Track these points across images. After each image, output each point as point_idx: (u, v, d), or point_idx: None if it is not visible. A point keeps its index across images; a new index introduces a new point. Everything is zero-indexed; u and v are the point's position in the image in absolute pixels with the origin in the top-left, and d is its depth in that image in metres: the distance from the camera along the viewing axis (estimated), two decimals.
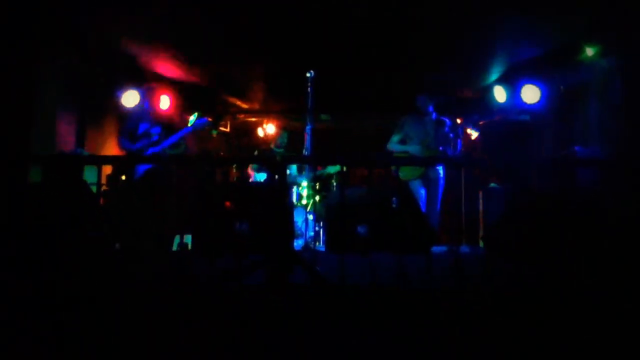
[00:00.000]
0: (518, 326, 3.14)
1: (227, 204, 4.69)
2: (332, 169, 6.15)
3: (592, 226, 3.78)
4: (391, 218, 4.62)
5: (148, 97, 5.65)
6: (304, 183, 6.07)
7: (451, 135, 5.37)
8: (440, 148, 5.38)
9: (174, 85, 6.46)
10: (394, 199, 4.58)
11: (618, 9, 4.93)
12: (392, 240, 4.41)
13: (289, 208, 4.95)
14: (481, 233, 5.50)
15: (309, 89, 5.22)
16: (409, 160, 5.31)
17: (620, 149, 5.01)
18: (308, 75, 5.24)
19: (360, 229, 4.62)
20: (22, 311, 3.01)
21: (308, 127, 5.26)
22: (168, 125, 5.54)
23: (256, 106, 7.25)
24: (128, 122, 5.66)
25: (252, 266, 3.55)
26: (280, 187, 4.38)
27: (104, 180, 5.93)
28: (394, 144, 5.52)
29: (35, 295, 3.10)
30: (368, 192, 5.03)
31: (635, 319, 2.97)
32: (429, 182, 5.37)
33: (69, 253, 3.69)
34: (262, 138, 7.51)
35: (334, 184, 6.37)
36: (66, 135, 5.94)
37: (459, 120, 6.54)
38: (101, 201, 5.62)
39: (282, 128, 6.97)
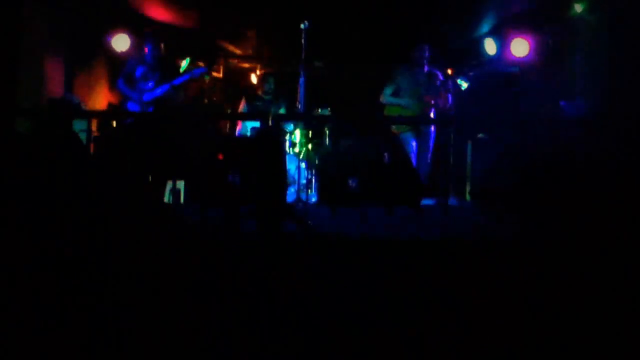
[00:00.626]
0: (504, 276, 3.33)
1: (220, 156, 4.79)
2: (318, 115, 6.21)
3: (578, 179, 3.94)
4: (382, 171, 4.78)
5: (149, 41, 5.62)
6: (296, 131, 6.17)
7: (442, 88, 5.47)
8: (432, 101, 5.51)
9: (165, 30, 6.42)
10: (385, 153, 4.73)
11: None
12: (383, 194, 4.59)
13: (282, 159, 5.06)
14: (469, 186, 5.70)
15: (302, 40, 5.26)
16: (400, 119, 5.42)
17: (605, 104, 5.17)
18: (302, 26, 5.28)
19: (352, 182, 4.78)
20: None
21: (301, 80, 5.33)
22: (167, 71, 5.55)
23: (249, 52, 7.24)
24: (126, 66, 5.66)
25: (246, 214, 3.67)
26: (274, 141, 4.48)
27: (94, 127, 5.98)
28: (387, 96, 5.62)
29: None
30: (360, 144, 5.17)
31: (619, 272, 3.18)
32: (420, 134, 5.52)
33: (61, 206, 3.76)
34: (254, 84, 7.52)
35: (327, 131, 6.48)
36: (55, 80, 5.91)
37: (450, 71, 6.63)
38: (92, 148, 5.71)
39: (268, 74, 6.98)
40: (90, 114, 5.44)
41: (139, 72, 5.54)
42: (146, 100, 5.53)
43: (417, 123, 5.30)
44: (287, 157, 5.93)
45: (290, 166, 6.11)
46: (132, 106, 5.60)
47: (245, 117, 6.16)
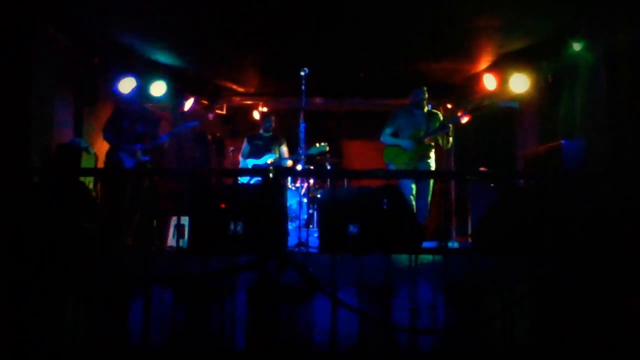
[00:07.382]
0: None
1: (222, 205, 4.87)
2: (315, 150, 6.30)
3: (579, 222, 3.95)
4: (381, 218, 4.82)
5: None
6: (289, 163, 6.27)
7: (443, 128, 5.46)
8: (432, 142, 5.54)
9: (169, 71, 6.56)
10: (384, 200, 4.77)
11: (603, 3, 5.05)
12: (383, 240, 4.62)
13: (283, 209, 5.12)
14: (470, 228, 5.70)
15: (302, 86, 5.39)
16: (400, 173, 5.43)
17: (603, 143, 5.18)
18: (302, 73, 5.39)
19: (352, 228, 4.83)
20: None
21: (302, 125, 5.44)
22: (151, 122, 5.68)
23: (251, 89, 7.37)
24: (112, 117, 5.76)
25: (245, 266, 3.71)
26: (274, 194, 4.53)
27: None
28: (386, 137, 5.65)
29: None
30: (359, 190, 5.22)
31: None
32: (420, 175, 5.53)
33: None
34: (257, 121, 7.65)
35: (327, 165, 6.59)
36: (64, 123, 6.04)
37: (449, 106, 6.69)
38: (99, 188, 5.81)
39: (267, 113, 7.13)
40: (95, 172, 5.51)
41: (124, 124, 5.59)
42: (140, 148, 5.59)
43: (417, 177, 5.29)
44: (288, 192, 6.04)
45: (292, 201, 6.19)
46: (124, 156, 5.60)
47: (249, 172, 6.25)
